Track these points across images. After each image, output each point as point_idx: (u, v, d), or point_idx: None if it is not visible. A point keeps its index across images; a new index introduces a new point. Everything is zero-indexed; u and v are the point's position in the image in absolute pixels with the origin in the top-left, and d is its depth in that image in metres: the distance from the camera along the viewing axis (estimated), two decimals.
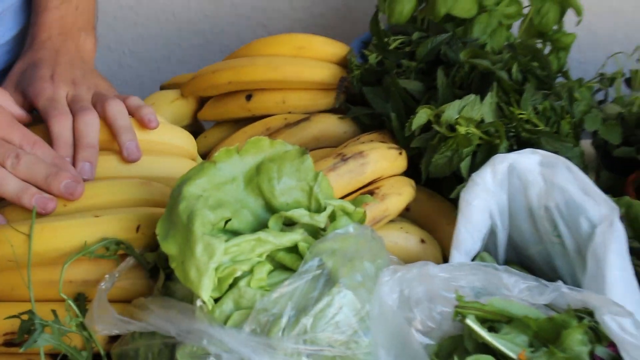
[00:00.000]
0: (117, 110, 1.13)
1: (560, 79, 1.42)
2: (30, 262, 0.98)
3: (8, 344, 0.99)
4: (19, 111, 1.13)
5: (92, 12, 1.33)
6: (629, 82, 1.46)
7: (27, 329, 0.94)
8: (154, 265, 1.00)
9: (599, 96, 1.46)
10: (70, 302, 0.96)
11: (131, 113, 1.16)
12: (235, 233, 0.92)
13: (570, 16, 1.48)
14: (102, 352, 0.96)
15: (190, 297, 0.89)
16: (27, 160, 1.05)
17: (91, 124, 1.11)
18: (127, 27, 1.95)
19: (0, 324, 0.99)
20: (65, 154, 1.09)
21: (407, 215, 1.25)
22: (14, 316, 0.96)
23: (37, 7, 1.27)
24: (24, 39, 1.28)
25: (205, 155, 1.34)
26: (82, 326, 0.96)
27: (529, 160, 1.09)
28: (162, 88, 1.56)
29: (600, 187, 1.07)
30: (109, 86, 1.21)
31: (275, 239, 0.91)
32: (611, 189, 1.15)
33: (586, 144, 1.31)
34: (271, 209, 0.96)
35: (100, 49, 1.34)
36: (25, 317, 0.95)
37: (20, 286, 0.98)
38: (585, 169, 1.19)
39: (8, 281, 1.02)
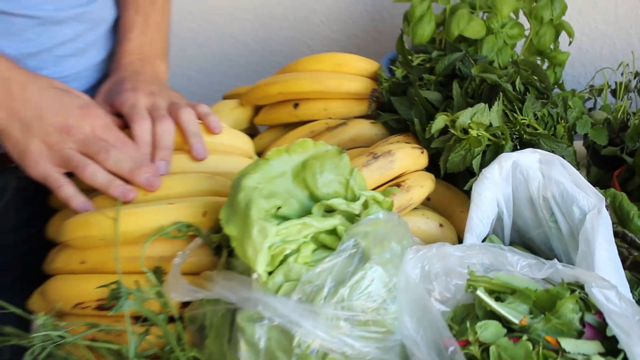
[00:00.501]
0: (188, 117, 1.14)
1: (556, 90, 1.41)
2: (117, 241, 0.99)
3: (100, 308, 1.00)
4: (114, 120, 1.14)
5: (165, 42, 1.34)
6: (614, 92, 1.45)
7: (115, 296, 0.96)
8: (218, 245, 1.00)
9: (589, 104, 1.45)
10: (150, 275, 0.98)
11: (200, 119, 1.17)
12: (284, 218, 0.92)
13: (564, 37, 1.48)
14: (176, 315, 0.97)
15: (248, 271, 0.89)
16: (115, 155, 1.06)
17: (167, 130, 1.12)
18: (194, 47, 1.96)
19: (93, 292, 1.00)
20: (145, 152, 1.10)
21: (427, 203, 1.25)
22: (104, 285, 0.97)
23: (120, 38, 1.29)
24: (110, 62, 1.29)
25: (260, 154, 1.34)
26: (159, 294, 0.97)
27: (529, 158, 1.09)
28: (224, 98, 1.56)
29: (590, 181, 1.07)
30: (180, 97, 1.21)
31: (318, 223, 0.92)
32: (599, 182, 1.15)
33: (578, 145, 1.30)
34: (314, 199, 0.96)
35: (172, 65, 1.35)
36: (113, 286, 0.97)
37: (109, 261, 0.99)
38: (577, 165, 1.20)
39: (99, 257, 1.03)
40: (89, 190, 1.08)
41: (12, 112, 1.07)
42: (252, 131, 1.49)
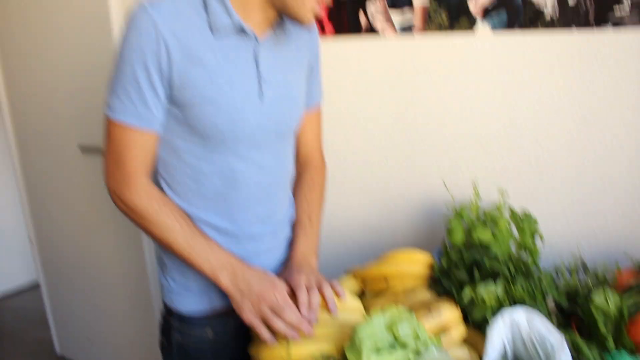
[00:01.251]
0: (327, 290, 1.17)
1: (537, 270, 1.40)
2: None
3: None
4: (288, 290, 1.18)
5: (317, 244, 1.37)
6: (570, 272, 1.45)
7: None
8: None
9: (557, 279, 1.44)
10: None
11: (333, 289, 1.19)
12: (381, 352, 0.95)
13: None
14: None
15: None
16: (289, 314, 1.10)
17: (316, 298, 1.15)
18: (330, 252, 1.98)
19: None
20: (303, 311, 1.12)
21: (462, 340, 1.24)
22: None
23: (292, 243, 1.35)
24: (286, 257, 1.33)
25: (366, 309, 1.34)
26: None
27: (520, 313, 1.09)
28: (346, 273, 1.57)
29: (557, 325, 1.08)
30: (323, 277, 1.24)
31: (399, 355, 0.95)
32: (562, 325, 1.13)
33: (550, 303, 1.29)
34: (397, 340, 0.99)
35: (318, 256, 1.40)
36: None
37: None
38: (548, 316, 1.20)
39: None
40: (273, 331, 1.12)
41: (237, 286, 1.15)
42: (361, 295, 1.49)
